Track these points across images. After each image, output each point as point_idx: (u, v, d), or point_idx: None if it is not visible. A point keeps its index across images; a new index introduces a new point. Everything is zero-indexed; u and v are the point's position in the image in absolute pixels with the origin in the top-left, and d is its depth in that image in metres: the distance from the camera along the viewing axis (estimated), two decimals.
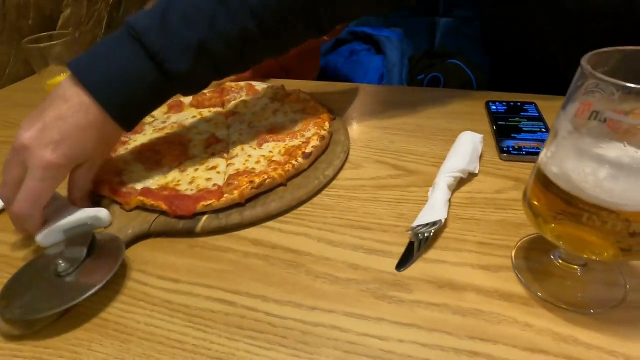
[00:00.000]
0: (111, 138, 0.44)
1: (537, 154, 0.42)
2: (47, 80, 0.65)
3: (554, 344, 0.30)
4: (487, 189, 0.46)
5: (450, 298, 0.34)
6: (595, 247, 0.30)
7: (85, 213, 0.41)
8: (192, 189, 0.45)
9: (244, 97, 0.64)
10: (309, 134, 0.52)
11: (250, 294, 0.36)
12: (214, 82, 0.58)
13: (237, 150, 0.51)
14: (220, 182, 0.46)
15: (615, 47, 0.28)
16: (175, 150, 0.52)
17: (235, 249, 0.40)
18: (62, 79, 0.45)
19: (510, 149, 0.51)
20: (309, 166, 0.49)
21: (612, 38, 0.31)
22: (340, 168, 0.51)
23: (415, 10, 1.27)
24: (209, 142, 0.54)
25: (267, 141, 0.52)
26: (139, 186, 0.46)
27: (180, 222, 0.42)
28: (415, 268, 0.37)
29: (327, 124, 0.54)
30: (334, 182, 0.49)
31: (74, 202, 0.43)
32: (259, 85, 0.67)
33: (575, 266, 0.35)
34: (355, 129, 0.59)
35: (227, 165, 0.49)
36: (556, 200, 0.30)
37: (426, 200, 0.43)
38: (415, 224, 0.40)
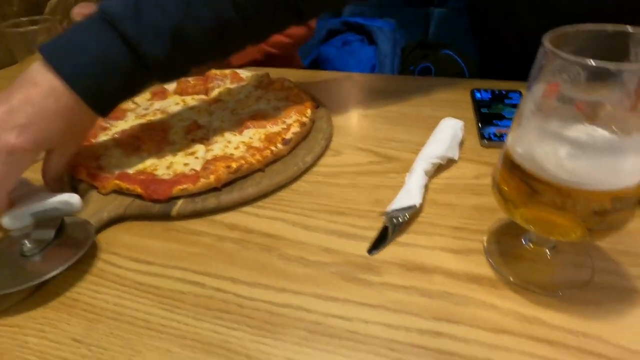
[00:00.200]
0: (82, 125, 0.44)
1: None
2: None
3: (519, 324, 0.30)
4: (466, 175, 0.46)
5: (419, 280, 0.34)
6: (564, 228, 0.30)
7: (56, 198, 0.40)
8: (169, 174, 0.45)
9: (228, 85, 0.64)
10: (290, 120, 0.52)
11: (221, 276, 0.36)
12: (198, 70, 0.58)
13: (217, 137, 0.51)
14: (198, 168, 0.46)
15: (581, 24, 0.28)
16: (156, 136, 0.52)
17: (210, 233, 0.41)
18: None
19: (492, 135, 0.51)
20: (289, 153, 0.49)
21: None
22: (321, 155, 0.51)
23: (410, 1, 1.26)
24: (190, 128, 0.53)
25: (248, 128, 0.52)
26: (116, 171, 0.46)
27: (156, 206, 0.42)
28: (388, 252, 0.37)
29: (309, 111, 0.54)
30: (314, 168, 0.49)
31: (47, 187, 0.43)
32: (244, 73, 0.66)
33: (546, 249, 0.35)
34: (339, 117, 0.59)
35: (207, 151, 0.49)
36: (522, 183, 0.30)
37: (403, 186, 0.43)
38: (389, 208, 0.40)
